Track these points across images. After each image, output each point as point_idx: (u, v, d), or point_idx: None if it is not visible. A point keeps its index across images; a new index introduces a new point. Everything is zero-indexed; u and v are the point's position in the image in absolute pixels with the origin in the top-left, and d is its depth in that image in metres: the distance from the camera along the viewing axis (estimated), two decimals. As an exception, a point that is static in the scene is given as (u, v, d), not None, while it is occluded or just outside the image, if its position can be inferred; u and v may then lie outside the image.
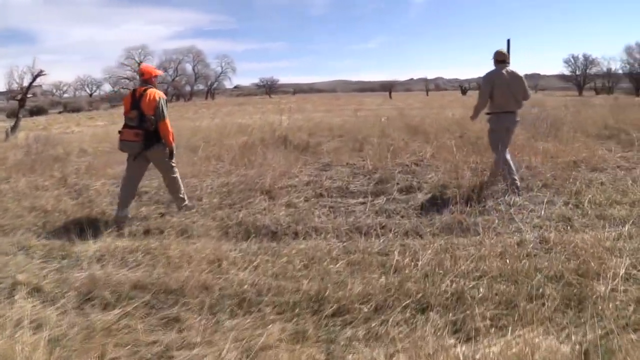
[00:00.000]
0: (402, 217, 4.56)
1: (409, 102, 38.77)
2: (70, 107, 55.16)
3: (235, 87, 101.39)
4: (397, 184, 5.62)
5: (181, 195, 4.99)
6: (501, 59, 5.42)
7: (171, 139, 4.72)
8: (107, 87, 73.15)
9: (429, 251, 3.41)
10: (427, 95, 58.42)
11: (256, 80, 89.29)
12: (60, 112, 50.69)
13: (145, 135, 4.48)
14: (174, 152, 4.90)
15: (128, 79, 68.02)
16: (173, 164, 4.91)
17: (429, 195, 5.11)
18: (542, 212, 4.45)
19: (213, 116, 28.45)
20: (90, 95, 76.06)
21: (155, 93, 4.61)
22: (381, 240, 3.89)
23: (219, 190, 5.81)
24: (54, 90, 74.74)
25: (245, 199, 5.37)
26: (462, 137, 9.28)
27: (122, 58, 67.84)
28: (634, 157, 7.05)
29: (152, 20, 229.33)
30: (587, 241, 3.43)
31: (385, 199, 5.06)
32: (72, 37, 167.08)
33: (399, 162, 7.07)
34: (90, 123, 30.06)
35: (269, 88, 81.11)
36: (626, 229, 3.83)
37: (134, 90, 4.74)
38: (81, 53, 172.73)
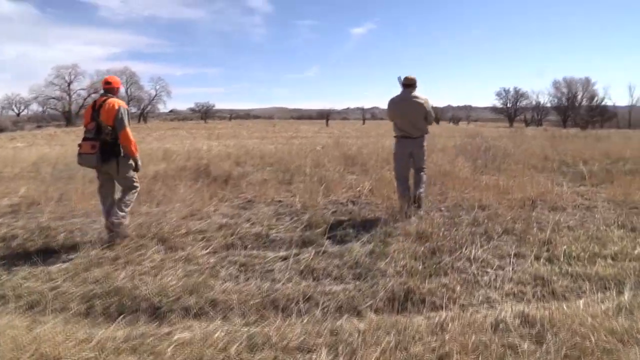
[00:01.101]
0: (335, 279, 3.45)
1: (346, 130, 38.60)
2: None
3: (171, 111, 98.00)
4: (330, 229, 4.58)
5: (123, 213, 4.45)
6: (407, 83, 5.35)
7: (134, 149, 4.43)
8: (35, 107, 67.72)
9: (372, 348, 2.32)
10: (364, 124, 59.00)
11: (192, 105, 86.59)
12: (-20, 131, 45.91)
13: (101, 146, 4.19)
14: (139, 164, 4.59)
15: (57, 98, 63.25)
16: (135, 180, 4.61)
17: (369, 247, 4.06)
18: (511, 272, 3.54)
19: (141, 140, 26.45)
20: (18, 115, 69.80)
21: (115, 102, 4.37)
22: (304, 322, 2.74)
23: (103, 236, 4.47)
24: None
25: (133, 251, 4.08)
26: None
27: (51, 77, 62.56)
28: (588, 193, 6.54)
29: (88, 40, 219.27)
30: (584, 321, 2.52)
31: (314, 251, 3.92)
32: (4, 54, 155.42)
33: (333, 199, 6.06)
34: (8, 144, 27.01)
35: (205, 113, 78.83)
36: (626, 297, 2.99)
37: (95, 101, 4.49)
38: (12, 71, 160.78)
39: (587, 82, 67.38)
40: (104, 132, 4.24)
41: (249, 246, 4.18)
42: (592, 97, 66.47)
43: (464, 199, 6.03)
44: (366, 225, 4.74)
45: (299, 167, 9.00)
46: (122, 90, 5.08)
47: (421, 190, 5.39)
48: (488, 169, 8.80)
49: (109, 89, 4.56)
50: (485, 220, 4.89)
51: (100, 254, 4.03)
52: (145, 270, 3.65)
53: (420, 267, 3.52)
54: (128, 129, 4.36)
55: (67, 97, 63.59)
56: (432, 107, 5.48)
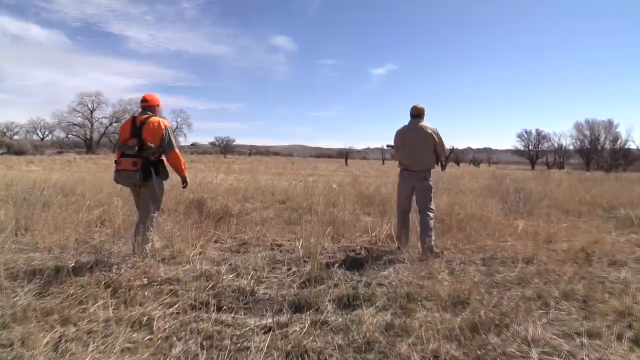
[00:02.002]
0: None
1: (365, 169, 37.65)
2: (15, 150, 51.29)
3: (193, 144, 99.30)
4: (336, 286, 3.56)
5: (148, 242, 4.29)
6: (415, 113, 5.02)
7: (184, 167, 4.50)
8: (59, 133, 68.45)
9: None
10: (384, 164, 58.15)
11: (213, 139, 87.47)
12: (2, 154, 46.72)
13: (144, 164, 4.13)
14: (187, 181, 4.70)
15: (79, 125, 64.15)
16: (160, 199, 4.52)
17: (385, 317, 2.98)
18: (590, 363, 2.46)
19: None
20: (42, 139, 71.11)
21: (160, 121, 4.31)
22: None
23: (49, 274, 3.54)
24: (5, 131, 69.50)
25: (75, 305, 3.12)
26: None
27: (74, 104, 63.78)
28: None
29: (115, 71, 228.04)
30: None
31: (309, 320, 2.84)
32: (34, 79, 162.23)
33: (344, 245, 5.08)
34: (24, 167, 26.90)
35: (225, 148, 79.36)
36: None
37: (134, 118, 4.37)
38: (40, 96, 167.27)
39: (609, 125, 65.70)
40: (147, 150, 4.15)
41: (226, 307, 3.16)
42: (615, 140, 64.61)
43: (501, 248, 4.99)
44: (382, 282, 3.73)
45: (311, 206, 8.08)
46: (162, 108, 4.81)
47: (430, 240, 4.72)
48: (521, 213, 7.75)
49: (147, 107, 4.44)
50: (535, 279, 3.83)
51: (35, 304, 3.07)
52: (78, 336, 2.66)
53: (460, 354, 2.45)
54: (177, 149, 4.36)
55: (89, 125, 64.43)
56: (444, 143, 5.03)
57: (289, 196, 10.17)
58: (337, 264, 4.21)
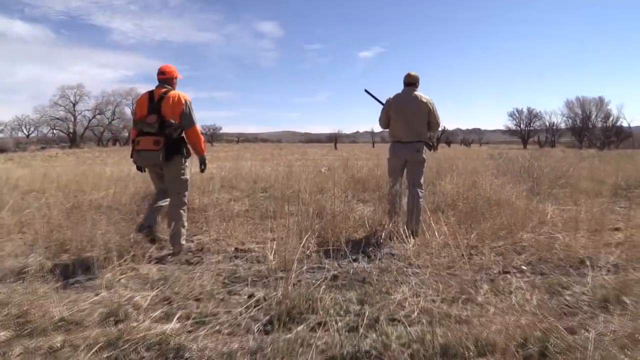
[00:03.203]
0: None
1: (355, 152, 36.12)
2: None
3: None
4: (321, 326, 2.22)
5: (183, 231, 3.88)
6: (409, 81, 4.72)
7: (203, 146, 4.07)
8: (46, 129, 65.52)
9: None
10: (374, 146, 56.84)
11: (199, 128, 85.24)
12: (-18, 152, 44.53)
13: (166, 143, 3.73)
14: (206, 162, 4.15)
15: (61, 119, 61.36)
16: (186, 184, 3.99)
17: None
18: None
19: (117, 162, 24.33)
20: (27, 136, 67.97)
21: (180, 95, 3.89)
22: None
23: None
24: None
25: None
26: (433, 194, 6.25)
27: (55, 97, 60.73)
28: None
29: (100, 63, 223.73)
30: None
31: None
32: (18, 76, 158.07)
33: (334, 246, 3.73)
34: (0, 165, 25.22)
35: (211, 136, 77.31)
36: None
37: (151, 92, 3.92)
38: (26, 93, 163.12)
39: (600, 102, 64.52)
40: (168, 127, 3.78)
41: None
42: (606, 117, 63.71)
43: (544, 243, 3.70)
44: (396, 315, 2.38)
45: (297, 193, 6.76)
46: (179, 79, 4.18)
47: (419, 223, 4.30)
48: (542, 195, 6.50)
49: (165, 79, 4.01)
50: (626, 298, 2.52)
51: None
52: None
53: None
54: (197, 126, 4.00)
55: (72, 118, 61.99)
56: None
57: (272, 183, 8.86)
58: (325, 280, 2.87)
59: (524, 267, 3.23)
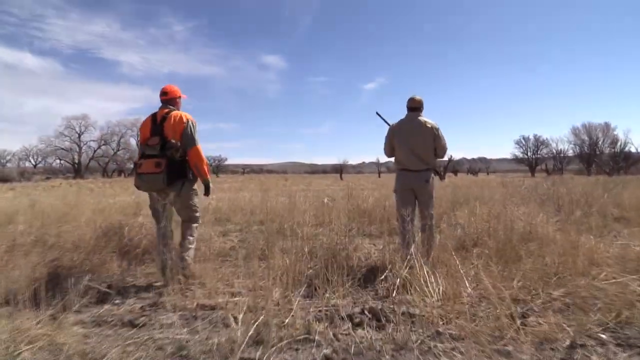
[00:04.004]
0: None
1: (361, 182, 35.09)
2: (0, 177, 48.05)
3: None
4: None
5: (189, 261, 3.64)
6: (413, 105, 4.39)
7: (207, 169, 3.85)
8: (53, 160, 65.17)
9: None
10: (379, 176, 55.93)
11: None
12: (-14, 181, 43.95)
13: (168, 165, 3.55)
14: (211, 187, 3.96)
15: (65, 149, 60.95)
16: (197, 210, 3.86)
17: None
18: None
19: (115, 194, 23.50)
20: (35, 166, 67.78)
21: (182, 114, 3.78)
22: None
23: None
24: None
25: None
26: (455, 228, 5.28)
27: (61, 128, 60.62)
28: None
29: (109, 96, 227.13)
30: None
31: None
32: (27, 107, 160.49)
33: (331, 302, 2.77)
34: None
35: (217, 167, 76.96)
36: None
37: (154, 114, 3.84)
38: (34, 124, 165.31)
39: (607, 127, 63.29)
40: (170, 149, 3.58)
41: None
42: (613, 143, 62.64)
43: (617, 296, 2.72)
44: None
45: (297, 225, 5.96)
46: (183, 100, 4.05)
47: (430, 253, 3.81)
48: (572, 225, 5.53)
49: (167, 100, 3.89)
50: None
51: None
52: None
53: None
54: (199, 146, 3.77)
55: (77, 148, 61.74)
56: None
57: (272, 214, 7.96)
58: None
59: (603, 336, 2.25)
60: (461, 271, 3.13)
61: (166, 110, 3.82)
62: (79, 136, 61.99)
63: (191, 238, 3.78)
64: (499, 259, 3.85)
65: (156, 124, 3.75)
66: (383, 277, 3.18)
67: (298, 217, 7.02)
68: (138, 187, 3.73)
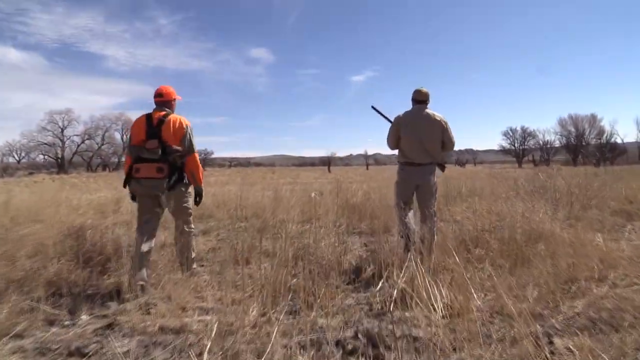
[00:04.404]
0: None
1: (349, 175, 34.62)
2: None
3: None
4: None
5: (193, 256, 3.69)
6: (420, 98, 4.25)
7: (201, 176, 3.76)
8: (37, 155, 63.40)
9: None
10: (367, 169, 55.66)
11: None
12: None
13: (170, 170, 3.46)
14: (202, 194, 3.83)
15: (48, 144, 59.62)
16: (191, 211, 3.78)
17: None
18: None
19: (97, 188, 22.79)
20: (18, 162, 65.50)
21: (181, 119, 3.64)
22: None
23: None
24: None
25: None
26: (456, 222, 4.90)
27: (43, 122, 59.15)
28: None
29: (95, 90, 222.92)
30: None
31: None
32: (12, 103, 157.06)
33: (320, 322, 2.34)
34: None
35: (203, 160, 76.10)
36: None
37: (149, 115, 3.62)
38: (19, 119, 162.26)
39: (593, 119, 64.12)
40: (172, 154, 3.47)
41: None
42: (600, 134, 63.29)
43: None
44: None
45: (282, 222, 5.59)
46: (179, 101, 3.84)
47: (431, 253, 3.47)
48: (576, 220, 5.21)
49: (163, 102, 3.70)
50: None
51: None
52: None
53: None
54: (196, 153, 3.70)
55: (60, 143, 60.41)
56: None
57: (256, 209, 7.55)
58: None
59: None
60: (467, 278, 2.74)
61: (162, 112, 3.66)
62: (62, 131, 60.71)
63: (193, 254, 3.72)
64: (504, 261, 3.48)
65: (152, 127, 3.56)
66: (378, 288, 2.76)
67: (284, 213, 6.64)
68: (135, 192, 3.61)
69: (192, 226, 3.78)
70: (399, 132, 4.27)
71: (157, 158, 3.48)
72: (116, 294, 2.97)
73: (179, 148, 3.55)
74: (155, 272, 3.44)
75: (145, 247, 3.37)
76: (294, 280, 2.82)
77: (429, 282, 2.60)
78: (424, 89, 4.30)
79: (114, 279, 3.35)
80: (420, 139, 4.14)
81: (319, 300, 2.47)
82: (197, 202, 3.84)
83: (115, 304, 2.84)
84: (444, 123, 4.18)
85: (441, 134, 4.18)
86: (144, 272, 3.26)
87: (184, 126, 3.63)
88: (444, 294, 2.50)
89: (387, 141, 4.43)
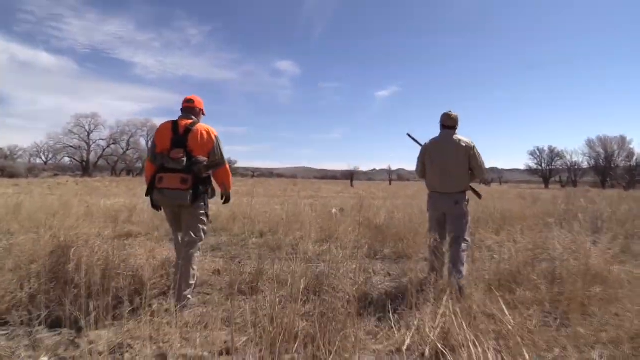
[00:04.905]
0: None
1: (372, 190, 34.00)
2: (8, 173, 48.59)
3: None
4: None
5: (191, 282, 3.32)
6: (448, 123, 4.03)
7: (231, 182, 3.71)
8: (64, 157, 64.38)
9: None
10: (390, 184, 54.90)
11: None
12: (-7, 177, 43.88)
13: (194, 182, 3.32)
14: (230, 196, 3.79)
15: (74, 147, 60.60)
16: (205, 227, 3.52)
17: None
18: None
19: (114, 194, 22.79)
20: (45, 163, 66.86)
21: (209, 130, 3.50)
22: None
23: None
24: (8, 154, 65.00)
25: None
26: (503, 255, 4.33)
27: (70, 125, 60.15)
28: None
29: (122, 96, 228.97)
30: None
31: None
32: (42, 104, 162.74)
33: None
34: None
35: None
36: None
37: (175, 123, 3.46)
38: (48, 121, 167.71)
39: (622, 141, 62.13)
40: (197, 164, 3.32)
41: None
42: (629, 156, 61.15)
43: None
44: None
45: (297, 242, 5.42)
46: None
47: (460, 276, 3.44)
48: (618, 253, 4.61)
49: (190, 108, 3.59)
50: None
51: None
52: None
53: None
54: (227, 164, 3.62)
55: (86, 147, 61.42)
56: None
57: (273, 226, 7.18)
58: None
59: None
60: (509, 326, 2.23)
61: (190, 121, 3.51)
62: (88, 134, 61.74)
63: (192, 281, 3.37)
64: (554, 306, 2.93)
65: (178, 135, 3.41)
66: (406, 345, 2.22)
67: (302, 230, 6.21)
68: (157, 202, 3.45)
69: (200, 244, 3.51)
70: (424, 161, 4.13)
71: (182, 168, 3.32)
72: (94, 324, 2.52)
73: (205, 159, 3.39)
74: (142, 293, 2.93)
75: (180, 261, 3.30)
76: (303, 324, 2.33)
77: (468, 337, 2.08)
78: (453, 113, 4.06)
79: (92, 307, 2.89)
80: (445, 167, 3.96)
81: (330, 358, 1.97)
82: (226, 202, 3.80)
83: (85, 343, 2.39)
84: (470, 149, 3.93)
85: (468, 160, 3.94)
86: (188, 282, 3.24)
87: (213, 137, 3.49)
88: (489, 356, 1.97)
89: (416, 171, 4.29)
